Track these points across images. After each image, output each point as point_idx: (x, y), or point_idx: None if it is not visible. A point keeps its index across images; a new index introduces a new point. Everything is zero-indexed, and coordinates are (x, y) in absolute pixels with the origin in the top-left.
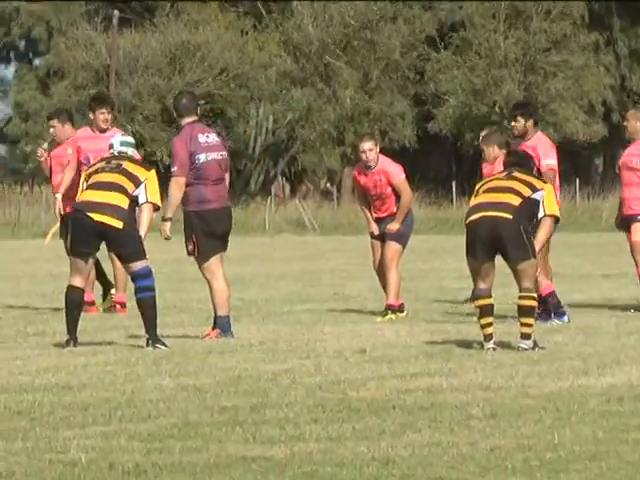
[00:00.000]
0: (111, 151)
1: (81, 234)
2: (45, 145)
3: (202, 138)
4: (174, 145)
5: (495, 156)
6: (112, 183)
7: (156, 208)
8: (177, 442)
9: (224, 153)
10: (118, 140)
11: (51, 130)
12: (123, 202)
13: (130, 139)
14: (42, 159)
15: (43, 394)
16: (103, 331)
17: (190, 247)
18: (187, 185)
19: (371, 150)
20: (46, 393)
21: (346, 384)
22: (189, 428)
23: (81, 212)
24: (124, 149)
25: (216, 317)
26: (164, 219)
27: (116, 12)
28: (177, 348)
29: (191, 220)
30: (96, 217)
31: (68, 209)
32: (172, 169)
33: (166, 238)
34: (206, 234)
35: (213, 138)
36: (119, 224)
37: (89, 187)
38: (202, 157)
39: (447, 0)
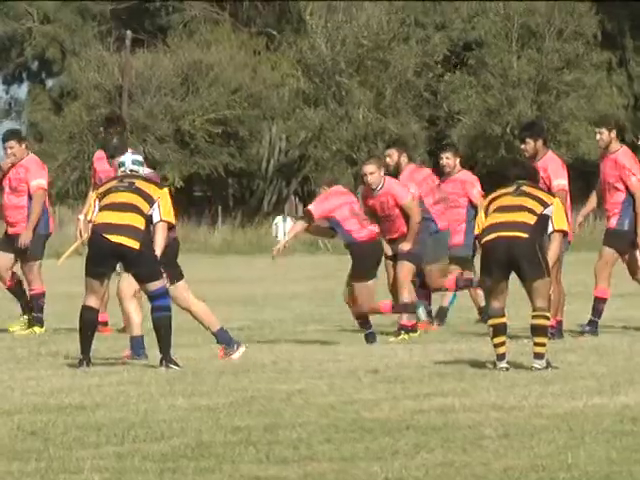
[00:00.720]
0: (122, 169)
1: (98, 255)
2: (10, 160)
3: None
4: None
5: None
6: (127, 204)
7: (170, 227)
8: (190, 462)
9: None
10: (130, 159)
11: (9, 151)
12: (139, 222)
13: (140, 158)
14: (5, 168)
15: (57, 414)
16: (116, 351)
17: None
18: None
19: (372, 174)
20: (60, 413)
21: (359, 404)
22: (202, 448)
23: (98, 234)
24: (135, 167)
25: (214, 335)
26: None
27: (129, 32)
28: (190, 368)
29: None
30: (113, 238)
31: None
32: None
33: None
34: (170, 261)
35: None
36: (136, 245)
37: (104, 208)
38: None
39: None
